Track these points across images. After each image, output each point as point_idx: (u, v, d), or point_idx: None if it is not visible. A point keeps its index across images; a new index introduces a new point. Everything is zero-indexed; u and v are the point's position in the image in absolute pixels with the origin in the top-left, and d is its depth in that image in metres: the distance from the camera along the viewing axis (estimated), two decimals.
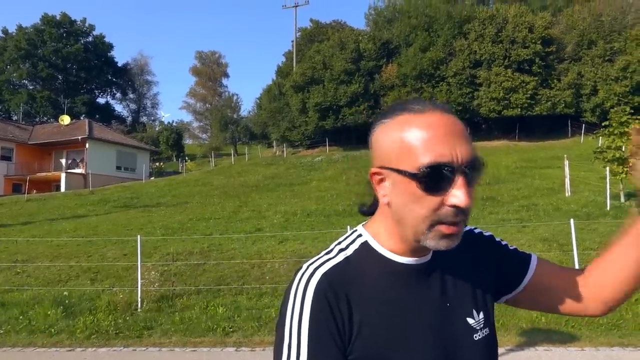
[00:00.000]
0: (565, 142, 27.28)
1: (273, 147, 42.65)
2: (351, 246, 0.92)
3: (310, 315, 0.81)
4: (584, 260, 8.12)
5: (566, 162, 13.94)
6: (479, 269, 0.97)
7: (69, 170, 31.88)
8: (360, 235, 0.93)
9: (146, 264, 9.24)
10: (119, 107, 76.68)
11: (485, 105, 31.58)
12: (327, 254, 0.91)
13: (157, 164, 40.27)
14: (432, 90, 32.36)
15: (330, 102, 33.99)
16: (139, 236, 8.52)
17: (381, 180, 0.87)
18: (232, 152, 43.27)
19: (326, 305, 0.82)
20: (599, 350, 5.40)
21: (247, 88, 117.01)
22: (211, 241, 11.05)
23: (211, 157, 39.63)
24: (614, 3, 32.87)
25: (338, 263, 0.87)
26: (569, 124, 30.58)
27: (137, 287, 8.08)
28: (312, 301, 0.82)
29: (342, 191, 17.82)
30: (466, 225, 0.94)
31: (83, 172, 31.41)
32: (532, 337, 5.72)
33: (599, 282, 0.96)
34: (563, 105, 30.73)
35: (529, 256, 1.02)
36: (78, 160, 32.97)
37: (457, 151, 0.79)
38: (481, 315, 0.93)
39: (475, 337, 0.90)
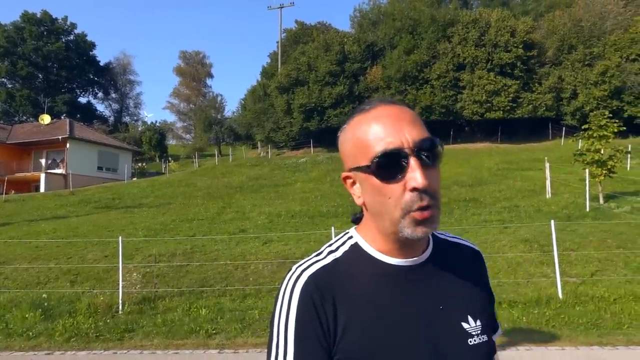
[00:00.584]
0: (546, 145, 27.72)
1: (257, 148, 42.49)
2: (341, 248, 0.93)
3: (297, 316, 0.83)
4: (564, 260, 8.26)
5: (547, 164, 14.16)
6: (478, 283, 0.97)
7: (48, 171, 31.31)
8: (351, 237, 0.95)
9: (128, 265, 9.11)
10: (100, 107, 75.93)
11: (468, 108, 31.94)
12: (316, 255, 0.92)
13: (140, 164, 39.80)
14: (416, 93, 32.60)
15: (315, 104, 34.00)
16: (120, 237, 8.40)
17: (353, 183, 0.89)
18: (216, 152, 42.97)
19: (312, 306, 0.83)
20: (579, 349, 5.49)
21: (231, 89, 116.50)
22: (194, 242, 10.95)
23: (195, 157, 39.31)
24: (593, 9, 33.55)
25: (326, 265, 0.89)
26: (550, 126, 31.10)
27: (118, 289, 7.97)
28: (299, 302, 0.84)
29: (327, 192, 17.83)
30: (467, 242, 1.00)
31: (63, 172, 30.86)
32: (514, 337, 5.78)
33: None
34: (544, 108, 31.24)
35: (497, 325, 1.04)
36: (58, 161, 32.40)
37: (405, 136, 0.81)
38: (478, 322, 0.92)
39: (471, 342, 0.89)
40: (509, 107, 31.01)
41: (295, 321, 0.83)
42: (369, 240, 0.91)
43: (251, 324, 6.82)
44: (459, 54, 32.55)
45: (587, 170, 12.61)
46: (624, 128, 14.53)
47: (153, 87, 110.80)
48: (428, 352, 0.86)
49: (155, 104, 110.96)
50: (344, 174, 0.90)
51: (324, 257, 0.91)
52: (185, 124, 61.47)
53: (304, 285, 0.85)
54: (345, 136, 0.90)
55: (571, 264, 8.47)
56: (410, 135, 0.81)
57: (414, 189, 0.80)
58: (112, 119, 61.55)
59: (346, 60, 34.68)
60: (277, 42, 44.03)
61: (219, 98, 54.52)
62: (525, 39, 31.78)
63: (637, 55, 30.83)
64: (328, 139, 35.37)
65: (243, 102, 47.43)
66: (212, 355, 5.82)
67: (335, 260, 0.90)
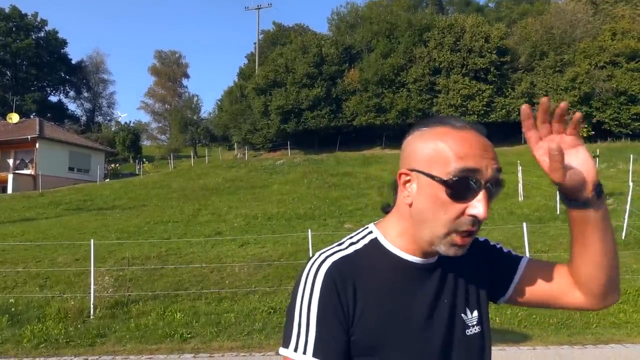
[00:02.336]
0: (519, 149, 28.25)
1: (234, 149, 42.18)
2: (361, 241, 0.99)
3: (320, 298, 0.90)
4: None
5: (519, 168, 14.47)
6: (475, 271, 1.04)
7: (17, 171, 30.35)
8: (370, 232, 1.01)
9: (100, 269, 8.92)
10: (72, 106, 74.10)
11: (443, 112, 32.38)
12: (338, 245, 0.99)
13: (113, 165, 38.98)
14: (392, 96, 32.90)
15: (293, 106, 33.96)
16: (92, 240, 8.22)
17: (407, 182, 0.94)
18: (192, 154, 42.44)
19: (334, 290, 0.90)
20: (549, 349, 5.61)
21: (208, 89, 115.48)
22: (169, 245, 10.79)
23: (170, 159, 38.76)
24: (564, 17, 34.51)
25: (348, 254, 0.96)
26: (522, 131, 31.78)
27: (90, 293, 7.78)
28: (322, 285, 0.90)
29: (304, 194, 17.82)
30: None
31: (32, 173, 29.98)
32: None
33: (584, 276, 0.99)
34: (517, 113, 31.88)
35: (519, 258, 1.08)
36: (27, 161, 31.45)
37: (486, 167, 0.87)
38: (475, 313, 1.00)
39: (468, 332, 0.98)
40: (483, 112, 31.59)
41: (319, 302, 0.89)
42: (389, 236, 0.98)
43: (227, 328, 6.76)
44: (435, 59, 33.02)
45: None
46: (593, 132, 14.99)
47: (127, 86, 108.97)
48: (433, 341, 0.94)
49: (129, 104, 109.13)
50: (403, 170, 0.94)
51: (345, 248, 0.97)
52: (160, 124, 60.58)
53: (327, 271, 0.92)
54: (423, 138, 0.93)
55: None
56: (490, 168, 0.88)
57: (473, 216, 0.86)
58: (84, 118, 60.19)
59: (324, 63, 34.76)
60: (255, 43, 43.91)
61: (195, 99, 53.81)
62: (498, 45, 32.45)
63: (605, 62, 31.84)
64: (305, 141, 35.39)
65: (219, 103, 47.04)
66: (187, 359, 5.74)
67: (356, 251, 0.97)
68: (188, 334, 6.53)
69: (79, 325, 6.98)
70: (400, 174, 0.95)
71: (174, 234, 12.29)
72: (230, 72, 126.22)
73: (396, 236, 0.98)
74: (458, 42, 32.82)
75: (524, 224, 8.12)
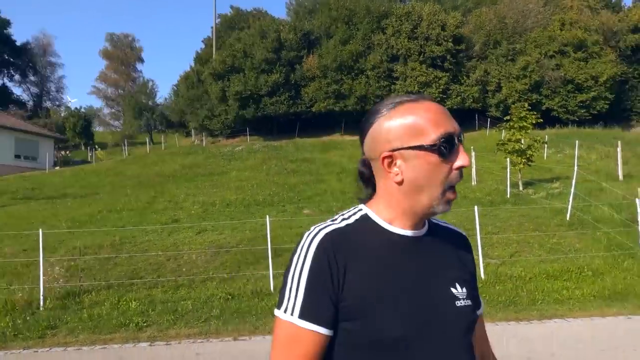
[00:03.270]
0: (473, 135, 29.10)
1: (191, 136, 41.31)
2: (353, 217, 1.06)
3: (311, 265, 0.97)
4: (487, 243, 8.79)
5: (473, 154, 14.92)
6: (464, 260, 1.13)
7: None
8: (361, 210, 1.08)
9: (49, 259, 8.60)
10: (18, 90, 70.11)
11: None
12: (332, 220, 1.06)
13: (63, 152, 37.35)
14: (351, 82, 33.02)
15: (251, 91, 33.51)
16: (40, 230, 7.90)
17: (391, 163, 1.01)
18: (147, 140, 41.19)
19: (325, 258, 0.97)
20: (497, 325, 5.88)
21: (163, 74, 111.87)
22: (123, 233, 10.52)
23: (124, 145, 37.52)
24: (516, 7, 35.54)
25: (340, 227, 1.02)
26: (476, 117, 32.71)
27: (39, 284, 7.51)
28: (314, 254, 0.97)
29: (263, 181, 17.73)
30: (455, 227, 1.19)
31: None
32: None
33: None
34: (471, 100, 32.79)
35: (479, 304, 1.17)
36: None
37: (454, 126, 1.00)
38: (464, 289, 1.06)
39: (458, 304, 1.04)
40: (439, 98, 32.21)
41: (309, 269, 0.96)
42: (379, 212, 1.05)
43: (184, 315, 6.70)
44: (393, 46, 33.31)
45: (508, 159, 13.44)
46: (542, 120, 15.59)
47: (77, 70, 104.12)
48: (420, 306, 0.99)
49: (80, 88, 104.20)
50: (386, 154, 1.00)
51: (338, 222, 1.04)
52: (113, 110, 58.35)
53: (320, 241, 0.98)
54: (390, 121, 1.01)
55: (493, 246, 9.04)
56: (456, 125, 1.01)
57: (460, 167, 0.99)
58: (30, 103, 57.20)
59: (282, 48, 34.40)
60: (212, 27, 42.84)
61: (150, 84, 52.00)
62: (454, 33, 33.07)
63: (554, 52, 33.10)
64: (264, 127, 35.05)
65: (176, 88, 45.80)
66: (142, 348, 5.66)
67: (348, 225, 1.03)
68: (144, 323, 6.43)
69: (28, 318, 6.73)
70: (383, 158, 1.00)
71: (128, 222, 11.98)
72: (186, 57, 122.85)
73: (386, 212, 1.04)
74: (415, 30, 33.21)
75: (476, 207, 8.41)
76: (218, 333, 6.02)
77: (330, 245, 0.98)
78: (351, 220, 1.05)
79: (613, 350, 4.87)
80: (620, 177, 14.29)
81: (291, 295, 0.97)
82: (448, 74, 32.69)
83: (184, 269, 8.66)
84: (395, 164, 1.00)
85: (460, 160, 0.99)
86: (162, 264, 8.88)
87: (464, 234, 1.20)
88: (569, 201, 10.47)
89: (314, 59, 34.23)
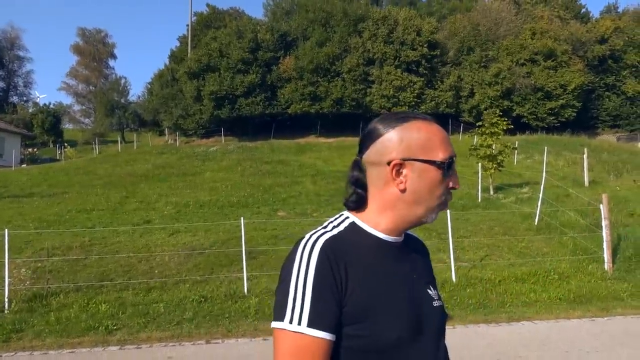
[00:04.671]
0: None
1: (165, 135, 40.70)
2: (342, 224, 1.11)
3: (315, 272, 0.98)
4: (458, 246, 8.96)
5: None
6: (427, 260, 1.24)
7: None
8: (347, 217, 1.13)
9: (15, 260, 8.35)
10: None
11: (376, 102, 33.15)
12: (323, 228, 1.09)
13: (30, 149, 36.27)
14: (327, 85, 33.13)
15: (226, 91, 33.26)
16: (6, 230, 7.66)
17: (398, 172, 1.07)
18: (119, 139, 40.41)
19: (328, 264, 0.99)
20: (468, 327, 6.01)
21: (136, 72, 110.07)
22: (93, 234, 10.29)
23: (95, 144, 36.71)
24: (489, 15, 36.35)
25: (335, 234, 1.06)
26: (450, 122, 33.30)
27: (4, 286, 7.28)
28: (317, 261, 0.99)
29: (237, 182, 17.61)
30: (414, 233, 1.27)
31: None
32: None
33: None
34: (445, 105, 33.35)
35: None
36: None
37: (453, 150, 1.10)
38: (435, 291, 1.17)
39: (434, 304, 1.13)
40: (414, 103, 32.67)
41: (314, 277, 0.98)
42: (368, 220, 1.10)
43: (156, 318, 6.60)
44: (369, 49, 33.61)
45: (480, 164, 13.73)
46: (512, 126, 16.01)
47: (47, 65, 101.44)
48: (411, 307, 1.07)
49: (49, 84, 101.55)
50: (397, 161, 1.06)
51: (331, 230, 1.08)
52: (84, 107, 57.04)
53: (322, 247, 1.01)
54: (406, 132, 1.08)
55: (464, 250, 9.22)
56: (454, 150, 1.11)
57: (453, 188, 1.10)
58: None
59: (259, 49, 34.27)
60: (187, 25, 42.34)
61: (123, 81, 51.30)
62: (429, 38, 33.60)
63: (525, 60, 33.99)
64: (240, 128, 34.82)
65: (149, 86, 45.11)
66: (112, 352, 5.56)
67: (340, 232, 1.07)
68: (114, 326, 6.31)
69: None
70: (394, 165, 1.06)
71: (98, 222, 11.72)
72: (161, 55, 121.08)
73: (373, 219, 1.10)
74: (391, 34, 33.59)
75: (448, 211, 8.56)
76: (191, 336, 5.96)
77: (331, 252, 1.01)
78: (341, 228, 1.09)
79: (577, 351, 5.04)
80: (586, 183, 14.78)
81: (296, 304, 0.96)
82: (423, 78, 33.17)
83: (156, 271, 8.54)
84: (402, 172, 1.07)
85: (455, 183, 1.10)
86: (133, 266, 8.73)
87: (421, 239, 1.30)
88: (537, 206, 10.77)
89: (291, 60, 34.22)
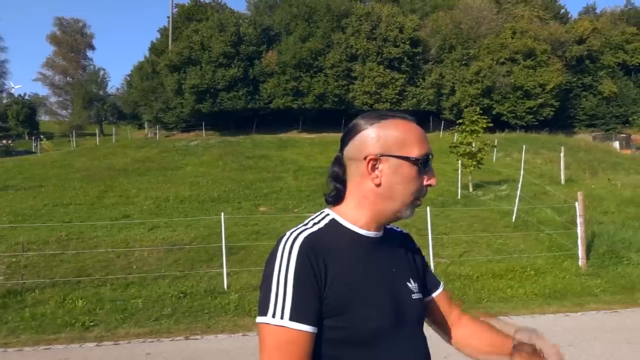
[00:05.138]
0: (428, 137, 29.87)
1: (144, 128, 40.15)
2: (322, 221, 1.14)
3: (295, 268, 1.02)
4: (437, 243, 9.06)
5: None
6: (413, 257, 1.28)
7: None
8: (327, 215, 1.16)
9: None
10: None
11: (359, 98, 33.22)
12: (304, 225, 1.12)
13: (5, 141, 35.37)
14: (310, 80, 33.08)
15: (208, 85, 32.94)
16: None
17: (374, 166, 1.10)
18: (97, 132, 39.68)
19: (308, 260, 1.03)
20: None
21: (115, 63, 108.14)
22: (70, 229, 10.11)
23: (72, 136, 35.97)
24: (471, 14, 36.71)
25: (315, 231, 1.10)
26: (431, 120, 33.59)
27: None
28: (297, 257, 1.03)
29: (218, 177, 17.48)
30: (398, 228, 1.31)
31: None
32: None
33: (463, 338, 1.33)
34: (426, 102, 33.63)
35: (439, 282, 1.36)
36: None
37: (430, 148, 1.14)
38: (415, 284, 1.20)
39: (413, 296, 1.18)
40: (395, 100, 32.86)
41: (295, 272, 1.01)
42: (347, 216, 1.14)
43: (134, 314, 6.52)
44: (352, 45, 33.64)
45: (459, 161, 13.89)
46: (492, 124, 16.23)
47: (22, 55, 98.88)
48: (390, 300, 1.11)
49: (25, 74, 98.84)
50: (372, 156, 1.09)
51: (311, 227, 1.11)
52: (60, 98, 55.69)
53: (301, 244, 1.04)
54: (384, 129, 1.11)
55: (443, 246, 9.33)
56: (429, 149, 1.14)
57: (429, 185, 1.13)
58: None
59: (241, 43, 34.01)
60: (168, 17, 41.74)
61: (102, 72, 50.19)
62: (412, 36, 33.78)
63: (505, 59, 34.45)
64: (221, 122, 34.54)
65: (129, 78, 44.37)
66: (89, 348, 5.48)
67: (320, 229, 1.11)
68: (91, 322, 6.22)
69: None
70: (369, 160, 1.10)
71: (76, 217, 11.52)
72: (140, 47, 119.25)
73: (352, 215, 1.13)
74: (374, 31, 33.67)
75: (428, 207, 8.65)
76: (169, 332, 5.91)
77: (310, 247, 1.05)
78: (322, 225, 1.13)
79: None
80: (563, 181, 15.08)
81: (278, 299, 1.01)
82: (405, 75, 33.36)
83: (134, 267, 8.43)
84: (378, 167, 1.10)
85: (431, 180, 1.14)
86: (111, 261, 8.61)
87: (405, 232, 1.33)
88: (515, 203, 10.95)
89: (273, 55, 34.06)
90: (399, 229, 1.31)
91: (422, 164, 1.11)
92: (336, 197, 1.17)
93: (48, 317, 6.39)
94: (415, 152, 1.10)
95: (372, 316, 1.06)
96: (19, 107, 41.00)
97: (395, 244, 1.23)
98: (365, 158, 1.10)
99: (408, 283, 1.18)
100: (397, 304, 1.12)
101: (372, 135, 1.11)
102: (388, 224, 1.19)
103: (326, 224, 1.13)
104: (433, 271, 1.39)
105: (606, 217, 10.90)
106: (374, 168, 1.10)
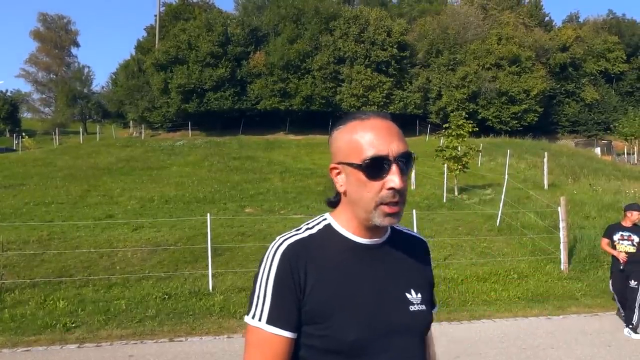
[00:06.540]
0: (414, 140, 30.05)
1: (129, 127, 39.71)
2: (316, 226, 1.14)
3: (276, 273, 1.05)
4: None
5: None
6: (422, 266, 1.21)
7: None
8: (325, 219, 1.16)
9: None
10: None
11: (346, 101, 33.30)
12: (296, 230, 1.13)
13: None
14: (297, 82, 33.06)
15: (195, 85, 32.72)
16: None
17: (338, 174, 1.10)
18: (80, 130, 39.14)
19: (288, 266, 1.04)
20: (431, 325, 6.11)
21: (100, 61, 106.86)
22: (52, 228, 9.94)
23: (55, 134, 35.42)
24: (458, 19, 37.09)
25: (302, 237, 1.10)
26: (417, 123, 33.81)
27: None
28: (279, 263, 1.05)
29: (204, 177, 17.37)
30: (415, 233, 1.27)
31: None
32: None
33: None
34: (413, 106, 33.85)
35: (435, 305, 1.28)
36: None
37: (392, 147, 1.04)
38: (419, 295, 1.14)
39: (411, 308, 1.12)
40: (382, 103, 33.01)
41: (274, 278, 1.04)
42: (341, 221, 1.13)
43: (117, 315, 6.44)
44: (340, 48, 33.72)
45: (445, 165, 14.01)
46: (477, 129, 16.40)
47: (3, 51, 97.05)
48: (377, 310, 1.07)
49: (7, 70, 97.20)
50: (332, 165, 1.10)
51: (302, 232, 1.11)
52: (43, 95, 54.88)
53: (284, 251, 1.06)
54: (340, 135, 1.09)
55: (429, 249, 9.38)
56: (395, 147, 1.04)
57: (391, 188, 1.02)
58: None
59: (229, 43, 33.86)
60: (155, 15, 41.36)
61: (86, 70, 49.69)
62: (399, 39, 33.99)
63: (491, 64, 34.88)
64: (208, 122, 34.33)
65: (114, 77, 43.88)
66: (70, 350, 5.39)
67: (310, 235, 1.11)
68: (72, 324, 6.12)
69: None
70: (331, 169, 1.11)
71: (57, 216, 11.34)
72: (127, 45, 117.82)
73: (346, 221, 1.12)
74: (362, 34, 33.80)
75: (414, 211, 8.70)
76: (153, 334, 5.85)
77: (292, 254, 1.06)
78: (314, 230, 1.12)
79: (534, 349, 5.22)
80: (546, 186, 15.29)
81: (259, 302, 1.05)
82: (392, 79, 33.53)
83: (118, 267, 8.33)
84: (340, 175, 1.10)
85: (391, 182, 1.03)
86: (94, 262, 8.49)
87: (424, 240, 1.27)
88: (499, 207, 11.07)
89: (261, 55, 33.97)
90: (416, 235, 1.25)
91: (370, 168, 1.03)
92: (333, 203, 1.18)
93: (28, 318, 6.28)
94: (361, 156, 1.04)
95: (352, 327, 1.03)
96: (0, 104, 40.23)
97: (402, 250, 1.16)
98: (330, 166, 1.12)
99: (407, 293, 1.12)
100: (386, 315, 1.07)
101: (333, 144, 1.12)
102: (373, 229, 1.11)
103: (320, 230, 1.12)
104: None
105: (587, 222, 11.08)
106: (336, 176, 1.10)
